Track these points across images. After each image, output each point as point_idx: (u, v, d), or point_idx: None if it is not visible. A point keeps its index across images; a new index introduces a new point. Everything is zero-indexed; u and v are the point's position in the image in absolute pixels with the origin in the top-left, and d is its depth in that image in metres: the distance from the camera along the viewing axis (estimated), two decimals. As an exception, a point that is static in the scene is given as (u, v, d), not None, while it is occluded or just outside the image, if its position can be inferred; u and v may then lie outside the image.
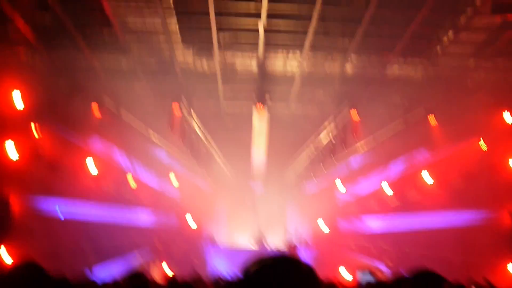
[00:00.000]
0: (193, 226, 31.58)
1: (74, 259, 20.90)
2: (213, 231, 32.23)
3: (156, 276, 24.35)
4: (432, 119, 21.56)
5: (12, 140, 18.01)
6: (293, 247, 26.95)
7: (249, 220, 32.36)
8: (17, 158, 18.19)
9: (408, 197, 25.40)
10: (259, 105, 20.77)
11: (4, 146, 17.87)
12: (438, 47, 18.30)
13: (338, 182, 30.45)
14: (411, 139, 23.33)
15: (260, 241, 30.05)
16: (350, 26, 16.83)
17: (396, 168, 25.96)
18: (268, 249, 29.58)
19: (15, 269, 3.81)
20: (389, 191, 26.66)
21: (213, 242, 30.79)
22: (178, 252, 29.49)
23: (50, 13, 16.19)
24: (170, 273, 21.99)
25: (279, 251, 27.70)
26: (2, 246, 17.65)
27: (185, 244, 30.17)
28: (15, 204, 18.69)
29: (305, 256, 26.66)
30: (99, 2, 15.39)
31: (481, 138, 21.23)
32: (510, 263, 19.18)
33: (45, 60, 19.41)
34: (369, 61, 19.47)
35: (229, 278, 15.64)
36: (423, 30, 16.98)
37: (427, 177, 23.24)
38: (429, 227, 23.46)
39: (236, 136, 25.89)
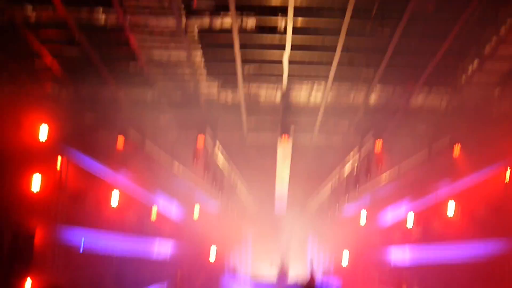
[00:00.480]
0: (214, 257, 31.55)
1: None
2: (235, 262, 32.17)
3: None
4: (457, 149, 21.43)
5: (38, 172, 18.20)
6: (314, 278, 26.76)
7: (272, 251, 32.24)
8: (42, 190, 18.36)
9: (432, 229, 25.18)
10: (284, 136, 20.79)
11: (30, 179, 18.04)
12: (463, 77, 18.23)
13: (362, 212, 30.33)
14: (436, 170, 23.19)
15: (283, 272, 29.92)
16: (374, 56, 16.81)
17: (420, 199, 25.80)
18: (290, 280, 29.44)
19: None
20: (413, 222, 26.47)
21: (235, 273, 30.72)
22: (200, 285, 29.43)
23: (76, 47, 16.34)
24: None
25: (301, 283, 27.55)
26: (28, 279, 17.76)
27: (207, 276, 30.11)
28: (39, 236, 18.80)
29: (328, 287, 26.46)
30: (125, 36, 15.52)
31: (508, 168, 21.07)
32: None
33: (71, 93, 19.61)
34: (393, 91, 19.44)
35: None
36: (448, 59, 16.92)
37: (451, 208, 23.02)
38: (453, 259, 23.24)
39: (260, 166, 25.93)
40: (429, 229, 25.31)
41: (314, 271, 26.85)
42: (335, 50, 16.11)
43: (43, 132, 18.37)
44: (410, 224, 26.55)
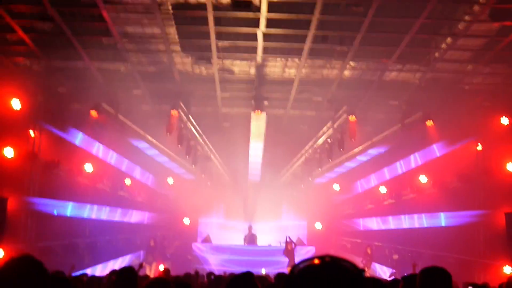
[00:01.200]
0: (187, 223, 31.74)
1: (69, 256, 21.00)
2: (208, 230, 32.39)
3: (149, 273, 24.55)
4: (429, 122, 21.61)
5: (10, 142, 18.23)
6: (290, 245, 26.99)
7: (244, 219, 32.43)
8: (15, 160, 18.41)
9: (404, 198, 25.55)
10: (257, 111, 20.88)
11: (3, 149, 18.08)
12: (436, 53, 18.35)
13: (334, 183, 30.63)
14: (408, 142, 23.41)
15: (251, 237, 30.19)
16: (348, 33, 16.86)
17: (393, 169, 26.10)
18: (262, 247, 29.75)
19: (12, 262, 3.77)
20: (385, 192, 26.84)
21: (207, 240, 30.92)
22: (172, 250, 29.59)
23: (49, 22, 16.19)
24: (162, 269, 22.01)
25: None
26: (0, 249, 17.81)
27: (179, 242, 30.28)
28: (12, 204, 18.82)
29: (301, 254, 26.75)
30: (98, 12, 15.41)
31: (478, 141, 21.39)
32: (506, 265, 19.25)
33: (43, 66, 19.50)
34: (367, 67, 19.54)
35: (221, 273, 15.89)
36: (421, 36, 17.04)
37: (423, 179, 23.33)
38: (424, 227, 23.69)
39: (234, 138, 25.95)
40: (401, 198, 25.66)
41: (290, 238, 27.12)
42: (309, 27, 16.11)
43: (16, 104, 18.37)
44: (383, 193, 26.89)
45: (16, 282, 3.64)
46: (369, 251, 26.44)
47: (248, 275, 6.45)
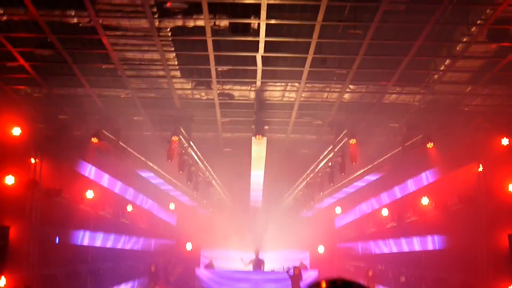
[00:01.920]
0: (189, 249, 31.66)
1: (72, 283, 20.97)
2: (211, 256, 32.29)
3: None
4: (430, 144, 21.61)
5: (12, 170, 18.30)
6: (298, 269, 26.93)
7: (247, 245, 32.34)
8: (16, 187, 18.48)
9: (406, 221, 25.51)
10: (258, 136, 20.89)
11: (4, 177, 18.13)
12: (435, 75, 18.39)
13: (336, 207, 30.60)
14: (410, 165, 23.41)
15: (257, 263, 30.07)
16: (347, 56, 16.90)
17: (394, 192, 26.07)
18: (266, 272, 29.64)
19: None
20: (387, 215, 26.80)
21: (211, 266, 30.85)
22: (176, 278, 29.51)
23: (50, 49, 16.26)
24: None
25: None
26: (2, 276, 17.82)
27: (182, 268, 30.19)
28: (13, 231, 18.85)
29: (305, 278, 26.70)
30: (97, 38, 15.48)
31: (479, 162, 21.38)
32: (510, 286, 19.17)
33: (44, 93, 19.58)
34: (366, 90, 19.59)
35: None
36: (420, 58, 17.08)
37: (425, 201, 23.29)
38: (427, 249, 23.61)
39: (235, 163, 25.99)
40: (404, 221, 25.62)
41: (294, 264, 27.08)
42: (308, 50, 16.16)
43: (16, 131, 18.47)
44: (385, 217, 26.86)
45: None
46: (370, 273, 26.36)
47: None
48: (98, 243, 24.92)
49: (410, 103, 20.62)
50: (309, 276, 28.15)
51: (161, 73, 18.03)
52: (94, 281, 24.47)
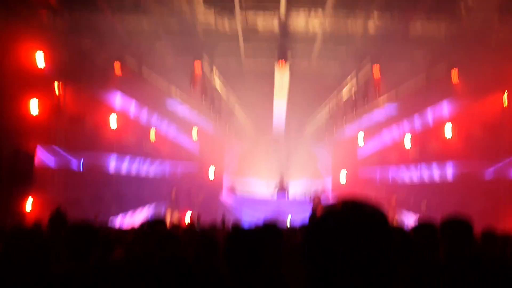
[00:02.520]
0: (212, 176, 31.88)
1: (95, 207, 21.27)
2: (234, 182, 32.52)
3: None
4: (454, 74, 21.37)
5: (36, 97, 18.42)
6: (318, 197, 27.08)
7: (270, 172, 32.49)
8: (40, 114, 18.60)
9: (429, 150, 25.44)
10: (281, 62, 20.71)
11: (29, 103, 18.23)
12: (462, 4, 18.03)
13: (359, 134, 30.50)
14: (433, 94, 23.22)
15: (282, 189, 30.25)
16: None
17: (418, 121, 25.94)
18: (290, 196, 29.88)
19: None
20: (410, 144, 26.74)
21: (234, 191, 31.11)
22: (198, 202, 29.81)
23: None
24: (188, 221, 22.28)
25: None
26: (30, 198, 18.14)
27: (206, 194, 30.47)
28: (39, 157, 19.06)
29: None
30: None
31: (505, 92, 21.15)
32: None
33: (67, 21, 19.46)
34: (391, 19, 19.26)
35: (247, 226, 15.89)
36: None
37: (448, 130, 23.18)
38: (448, 177, 23.61)
39: (258, 91, 25.90)
40: (426, 150, 25.56)
41: (316, 190, 27.21)
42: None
43: (40, 59, 18.50)
44: (407, 144, 26.81)
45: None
46: (393, 201, 26.44)
47: (273, 226, 6.49)
48: (121, 168, 25.20)
49: (436, 32, 20.23)
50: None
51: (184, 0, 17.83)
52: (117, 204, 24.84)
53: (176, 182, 29.49)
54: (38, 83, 18.97)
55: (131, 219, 24.17)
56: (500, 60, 20.59)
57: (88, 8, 18.28)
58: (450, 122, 23.18)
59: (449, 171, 23.71)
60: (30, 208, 18.33)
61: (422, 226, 6.41)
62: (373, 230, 2.28)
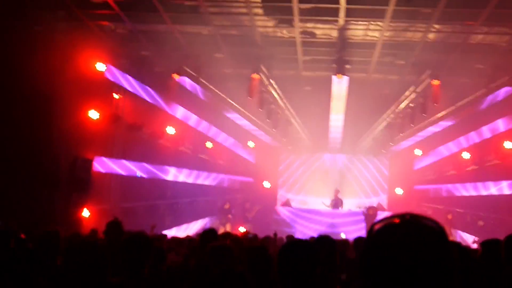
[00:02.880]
0: (268, 187, 31.85)
1: (150, 217, 21.44)
2: (288, 194, 32.49)
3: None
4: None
5: (95, 106, 18.71)
6: (373, 210, 26.94)
7: (325, 184, 32.40)
8: (99, 122, 18.89)
9: (488, 164, 25.06)
10: (339, 74, 20.65)
11: (88, 112, 18.52)
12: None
13: (416, 148, 30.23)
14: (493, 107, 22.86)
15: (337, 203, 30.11)
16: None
17: (476, 135, 25.59)
18: (342, 211, 29.72)
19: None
20: (468, 158, 26.38)
21: (288, 204, 31.06)
22: (253, 213, 29.84)
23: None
24: (243, 231, 22.34)
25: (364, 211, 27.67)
26: (86, 206, 18.37)
27: (260, 206, 30.49)
28: (97, 165, 19.32)
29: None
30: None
31: None
32: None
33: (127, 30, 19.70)
34: (452, 30, 19.01)
35: (301, 238, 15.80)
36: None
37: (508, 144, 22.79)
38: (508, 193, 23.18)
39: (315, 103, 25.87)
40: (485, 165, 25.17)
41: (371, 204, 27.08)
42: (393, -12, 15.77)
43: (100, 68, 18.78)
44: (464, 159, 26.47)
45: None
46: (449, 216, 26.11)
47: (327, 239, 6.42)
48: (177, 178, 25.36)
49: (497, 44, 19.89)
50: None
51: (243, 10, 17.84)
52: (171, 214, 25.02)
53: (231, 195, 29.60)
54: (98, 92, 19.26)
55: (185, 232, 24.30)
56: None
57: (148, 16, 18.44)
58: (510, 137, 22.79)
59: (508, 189, 23.30)
60: (87, 216, 18.56)
61: (487, 243, 6.25)
62: (433, 244, 2.26)
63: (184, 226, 25.23)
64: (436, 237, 2.28)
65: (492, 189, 24.47)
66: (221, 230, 25.03)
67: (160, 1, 17.20)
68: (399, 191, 32.22)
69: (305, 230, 26.41)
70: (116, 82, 20.44)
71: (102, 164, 20.01)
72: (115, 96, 20.78)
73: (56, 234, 7.37)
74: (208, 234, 8.31)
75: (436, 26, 18.55)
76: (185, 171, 26.10)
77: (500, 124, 23.50)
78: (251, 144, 30.77)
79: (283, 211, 30.01)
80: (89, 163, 18.91)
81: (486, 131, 24.75)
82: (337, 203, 30.33)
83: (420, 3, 16.98)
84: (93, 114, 18.92)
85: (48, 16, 17.82)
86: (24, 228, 9.85)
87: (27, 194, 15.88)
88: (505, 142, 22.85)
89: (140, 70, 21.50)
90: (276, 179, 32.46)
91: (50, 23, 17.89)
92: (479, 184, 25.61)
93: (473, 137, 25.88)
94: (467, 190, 26.74)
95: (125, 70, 20.76)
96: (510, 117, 22.71)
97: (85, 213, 18.59)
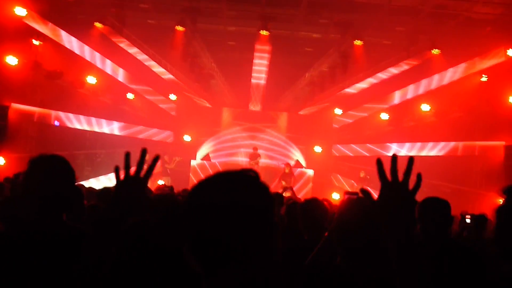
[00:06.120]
0: (188, 140, 31.72)
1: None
2: (209, 148, 32.49)
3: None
4: (435, 50, 21.43)
5: (13, 51, 18.19)
6: (288, 167, 27.18)
7: (245, 140, 32.46)
8: (17, 68, 18.41)
9: (404, 126, 25.58)
10: (263, 31, 20.65)
11: (4, 57, 18.02)
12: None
13: (336, 108, 30.51)
14: (412, 70, 23.27)
15: (254, 157, 30.20)
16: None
17: (394, 97, 26.03)
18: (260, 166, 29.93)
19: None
20: (385, 119, 26.82)
21: (207, 159, 31.10)
22: (172, 165, 29.75)
23: None
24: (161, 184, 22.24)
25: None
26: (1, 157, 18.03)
27: (179, 158, 30.38)
28: (13, 112, 18.93)
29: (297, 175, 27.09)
30: None
31: (483, 72, 21.28)
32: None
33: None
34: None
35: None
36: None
37: (425, 108, 23.29)
38: (422, 155, 23.73)
39: (238, 58, 25.83)
40: (402, 126, 25.73)
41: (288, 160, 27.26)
42: None
43: (20, 11, 18.24)
44: (382, 120, 26.91)
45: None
46: (362, 174, 26.55)
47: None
48: (96, 128, 25.07)
49: (418, 7, 20.12)
50: (301, 173, 28.50)
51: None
52: (90, 165, 24.77)
53: (152, 145, 29.41)
54: (16, 37, 18.72)
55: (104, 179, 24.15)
56: (479, 40, 20.70)
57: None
58: (427, 101, 23.29)
59: (422, 150, 23.91)
60: (2, 164, 18.24)
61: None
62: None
63: (102, 177, 24.95)
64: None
65: (407, 150, 25.01)
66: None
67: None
68: (318, 149, 32.49)
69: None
70: (36, 28, 19.87)
71: (19, 112, 19.58)
72: (35, 42, 20.23)
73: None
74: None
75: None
76: (105, 121, 25.78)
77: (418, 87, 23.98)
78: (172, 97, 30.49)
79: (200, 165, 29.96)
80: (5, 110, 18.51)
81: (403, 94, 25.19)
82: (254, 156, 30.45)
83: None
84: (11, 60, 18.41)
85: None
86: None
87: None
88: (421, 104, 23.35)
89: (62, 17, 20.98)
90: (197, 134, 32.29)
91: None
92: (395, 145, 26.13)
93: (391, 99, 26.30)
94: (383, 150, 27.19)
95: (47, 16, 20.19)
96: (427, 80, 23.18)
97: (1, 161, 18.25)
